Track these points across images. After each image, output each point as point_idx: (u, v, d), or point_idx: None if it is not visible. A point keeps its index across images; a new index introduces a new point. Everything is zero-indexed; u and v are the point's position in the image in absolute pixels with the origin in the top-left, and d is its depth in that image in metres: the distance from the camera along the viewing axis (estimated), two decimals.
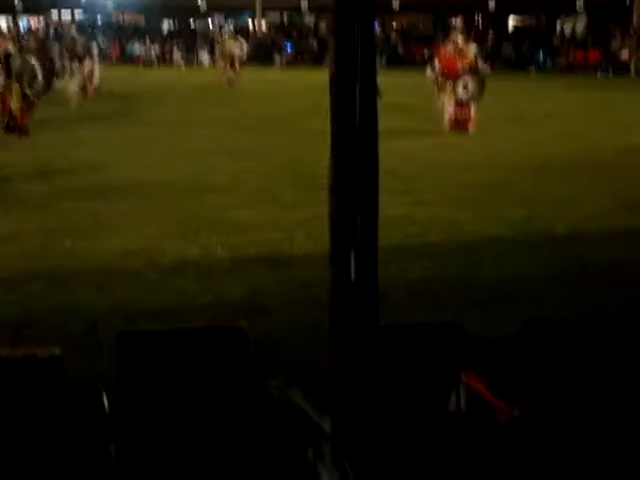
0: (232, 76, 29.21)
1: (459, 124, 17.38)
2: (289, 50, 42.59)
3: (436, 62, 18.14)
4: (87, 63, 24.72)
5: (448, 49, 18.19)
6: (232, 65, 29.70)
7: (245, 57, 31.20)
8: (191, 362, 4.04)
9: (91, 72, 24.60)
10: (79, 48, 25.52)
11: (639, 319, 4.47)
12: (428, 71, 18.38)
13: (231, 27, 35.67)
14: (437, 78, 18.00)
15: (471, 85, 17.50)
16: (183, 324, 6.06)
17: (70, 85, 22.88)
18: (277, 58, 42.78)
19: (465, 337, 4.19)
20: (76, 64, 24.63)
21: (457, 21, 25.07)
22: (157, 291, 7.29)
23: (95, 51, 26.40)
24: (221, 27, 36.21)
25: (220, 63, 30.71)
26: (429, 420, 4.17)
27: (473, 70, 17.79)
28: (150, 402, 4.00)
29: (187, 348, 4.06)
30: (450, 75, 17.70)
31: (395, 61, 41.36)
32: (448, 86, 17.64)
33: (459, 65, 17.72)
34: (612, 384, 4.15)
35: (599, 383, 4.15)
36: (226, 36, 31.82)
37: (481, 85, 17.74)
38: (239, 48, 30.28)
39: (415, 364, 4.13)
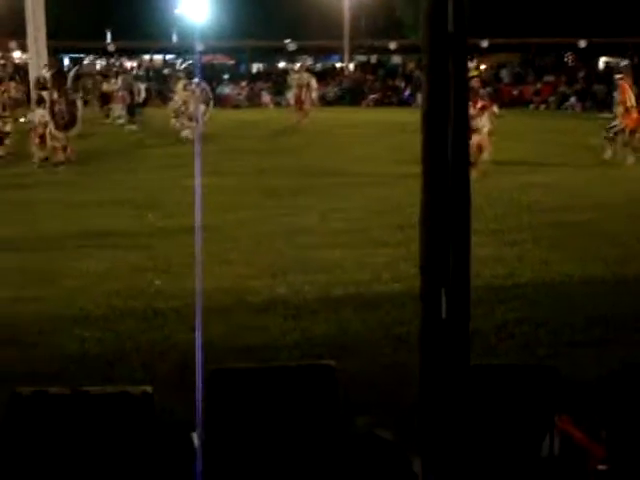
0: (304, 114, 28.77)
1: None
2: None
3: None
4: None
5: None
6: (303, 102, 29.20)
7: (318, 95, 31.11)
8: (280, 399, 4.04)
9: None
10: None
11: None
12: None
13: (304, 66, 35.31)
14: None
15: None
16: (270, 362, 6.06)
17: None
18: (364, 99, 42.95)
19: (560, 380, 4.10)
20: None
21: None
22: (245, 329, 7.32)
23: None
24: (299, 65, 35.70)
25: (294, 102, 30.06)
26: (521, 464, 4.08)
27: None
28: (240, 438, 4.00)
29: (277, 385, 4.07)
30: None
31: None
32: None
33: None
34: None
35: None
36: (298, 74, 31.20)
37: None
38: (311, 84, 29.79)
39: (507, 406, 4.05)
